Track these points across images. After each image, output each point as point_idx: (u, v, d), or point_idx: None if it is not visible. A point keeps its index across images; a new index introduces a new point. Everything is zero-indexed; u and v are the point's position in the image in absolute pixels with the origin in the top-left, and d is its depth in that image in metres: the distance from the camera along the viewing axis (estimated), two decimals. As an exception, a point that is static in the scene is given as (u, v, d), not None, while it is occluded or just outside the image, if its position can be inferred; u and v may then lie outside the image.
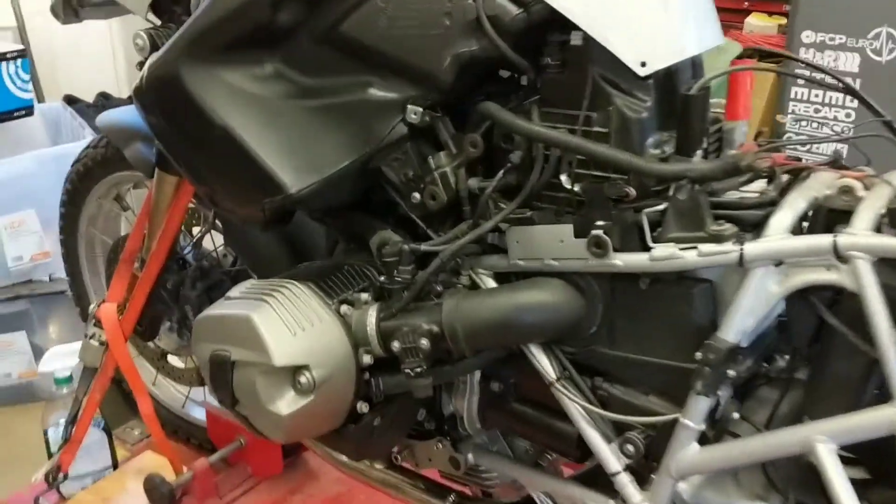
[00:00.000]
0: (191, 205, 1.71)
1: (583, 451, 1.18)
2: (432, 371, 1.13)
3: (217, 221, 1.73)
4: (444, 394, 1.31)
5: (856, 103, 2.68)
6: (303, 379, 1.11)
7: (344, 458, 1.46)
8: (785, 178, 1.03)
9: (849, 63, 2.68)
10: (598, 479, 1.22)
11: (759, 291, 0.97)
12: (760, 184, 1.06)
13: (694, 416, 1.01)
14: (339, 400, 1.16)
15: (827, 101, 2.80)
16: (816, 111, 2.80)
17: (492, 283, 1.17)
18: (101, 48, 3.48)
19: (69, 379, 1.93)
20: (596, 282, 1.08)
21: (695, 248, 0.98)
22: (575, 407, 1.12)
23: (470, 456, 1.31)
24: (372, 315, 1.16)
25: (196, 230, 1.87)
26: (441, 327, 1.12)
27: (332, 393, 1.14)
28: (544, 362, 1.13)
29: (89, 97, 3.38)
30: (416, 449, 1.36)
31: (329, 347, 1.13)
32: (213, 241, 1.82)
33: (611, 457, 1.10)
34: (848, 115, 2.77)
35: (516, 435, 1.32)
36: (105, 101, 3.37)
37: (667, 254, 0.99)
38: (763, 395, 1.09)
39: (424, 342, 1.11)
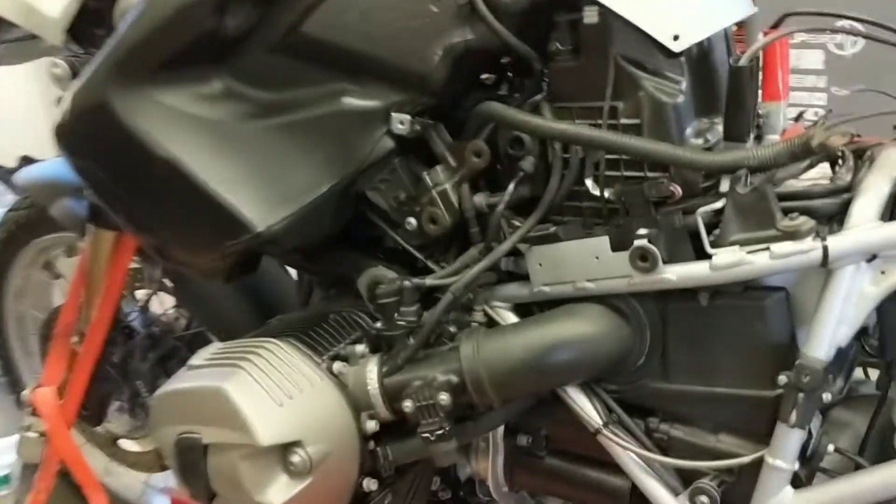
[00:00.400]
0: (133, 264, 1.49)
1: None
2: (455, 431, 0.92)
3: (165, 280, 1.50)
4: (460, 455, 1.10)
5: (824, 82, 2.58)
6: (296, 458, 0.89)
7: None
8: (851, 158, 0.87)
9: (812, 60, 2.58)
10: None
11: (851, 294, 0.79)
12: (819, 170, 0.89)
13: (785, 453, 0.83)
14: (342, 479, 0.94)
15: (795, 83, 2.68)
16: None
17: (512, 318, 0.97)
18: (20, 109, 3.20)
19: (7, 479, 1.65)
20: (642, 304, 0.90)
21: (766, 249, 0.80)
22: (629, 456, 0.92)
23: (498, 526, 1.10)
24: (372, 371, 0.95)
25: (141, 293, 1.63)
26: (462, 377, 0.91)
27: (333, 471, 0.92)
28: (586, 406, 0.93)
29: (10, 162, 3.09)
30: (432, 524, 1.14)
31: (324, 416, 0.92)
32: (162, 304, 1.58)
33: (680, 512, 0.90)
34: (819, 99, 2.65)
35: (550, 495, 1.11)
36: (28, 164, 3.08)
37: (732, 260, 0.81)
38: (842, 418, 0.92)
39: (444, 397, 0.90)
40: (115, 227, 1.36)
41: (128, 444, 1.76)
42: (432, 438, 0.90)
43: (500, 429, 1.03)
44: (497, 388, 0.91)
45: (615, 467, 0.98)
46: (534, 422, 1.02)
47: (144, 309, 1.55)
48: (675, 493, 0.91)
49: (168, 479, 1.76)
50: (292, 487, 0.89)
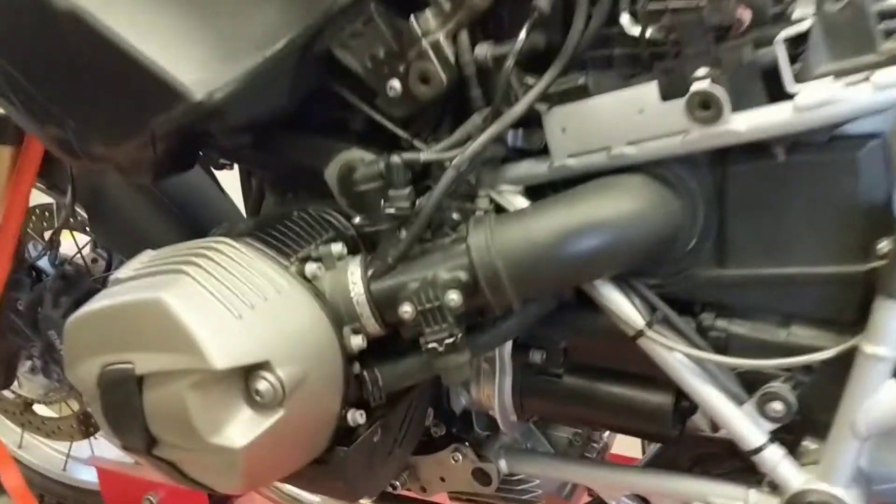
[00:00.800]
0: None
1: (684, 425, 0.79)
2: (468, 341, 0.70)
3: (77, 210, 1.21)
4: (455, 385, 0.89)
5: None
6: (262, 385, 0.65)
7: (313, 497, 0.99)
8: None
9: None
10: (677, 461, 0.85)
11: (970, 133, 0.61)
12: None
13: (889, 337, 0.64)
14: (322, 411, 0.70)
15: None
16: None
17: (524, 205, 0.75)
18: None
19: None
20: (693, 171, 0.69)
21: (865, 79, 0.61)
22: (679, 361, 0.72)
23: (503, 463, 0.89)
24: (356, 273, 0.71)
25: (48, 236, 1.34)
26: (473, 273, 0.69)
27: (311, 401, 0.68)
28: (623, 305, 0.72)
29: None
30: (422, 467, 0.92)
31: (297, 330, 0.68)
32: (75, 240, 1.30)
33: (747, 425, 0.71)
34: None
35: (570, 421, 0.91)
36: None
37: (823, 96, 0.61)
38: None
39: (453, 296, 0.68)
40: (11, 139, 1.09)
41: (44, 410, 1.47)
42: (441, 349, 0.68)
43: (508, 345, 0.82)
44: (517, 283, 0.69)
45: (653, 382, 0.78)
46: (550, 333, 0.80)
47: (53, 245, 1.25)
48: (739, 403, 0.71)
49: (94, 447, 1.49)
50: (259, 423, 0.65)
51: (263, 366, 0.65)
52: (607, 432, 0.96)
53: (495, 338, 0.75)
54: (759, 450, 0.70)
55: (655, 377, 0.78)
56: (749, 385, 0.71)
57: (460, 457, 0.89)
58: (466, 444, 0.89)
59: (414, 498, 0.95)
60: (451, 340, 0.67)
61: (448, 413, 0.90)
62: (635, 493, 0.82)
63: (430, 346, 0.68)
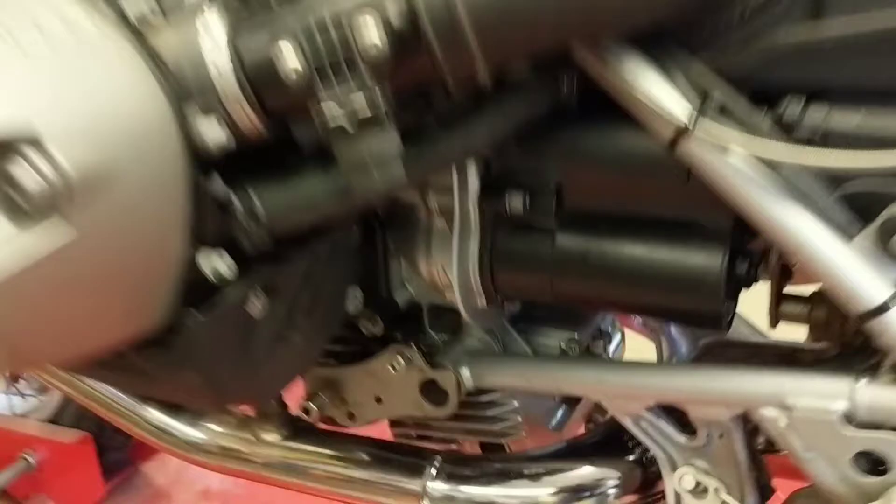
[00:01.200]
0: None
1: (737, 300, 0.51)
2: (405, 151, 0.41)
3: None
4: (396, 258, 0.60)
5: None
6: (23, 172, 0.36)
7: (199, 434, 0.70)
8: None
9: None
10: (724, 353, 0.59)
11: None
12: None
13: None
14: (150, 243, 0.41)
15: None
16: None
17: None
18: None
19: None
20: None
21: None
22: (747, 174, 0.43)
23: (466, 373, 0.60)
24: (214, 22, 0.42)
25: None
26: (410, 8, 0.40)
27: (126, 220, 0.39)
28: (656, 88, 0.44)
29: None
30: (349, 383, 0.62)
31: (100, 96, 0.39)
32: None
33: (863, 269, 0.42)
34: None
35: (565, 302, 0.62)
36: None
37: None
38: None
39: (371, 33, 0.39)
40: None
41: None
42: (350, 126, 0.39)
43: (473, 185, 0.53)
44: (486, 28, 0.40)
45: (694, 231, 0.50)
46: (537, 162, 0.52)
47: None
48: (848, 237, 0.43)
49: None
50: (19, 243, 0.36)
51: (27, 140, 0.36)
52: (615, 341, 0.68)
53: (449, 149, 0.45)
54: (882, 309, 0.42)
55: (698, 223, 0.50)
56: (862, 211, 0.43)
57: (402, 363, 0.59)
58: (413, 346, 0.60)
59: (338, 432, 0.66)
60: (368, 111, 0.39)
61: (386, 304, 0.61)
62: (663, 405, 0.54)
63: (332, 119, 0.39)
